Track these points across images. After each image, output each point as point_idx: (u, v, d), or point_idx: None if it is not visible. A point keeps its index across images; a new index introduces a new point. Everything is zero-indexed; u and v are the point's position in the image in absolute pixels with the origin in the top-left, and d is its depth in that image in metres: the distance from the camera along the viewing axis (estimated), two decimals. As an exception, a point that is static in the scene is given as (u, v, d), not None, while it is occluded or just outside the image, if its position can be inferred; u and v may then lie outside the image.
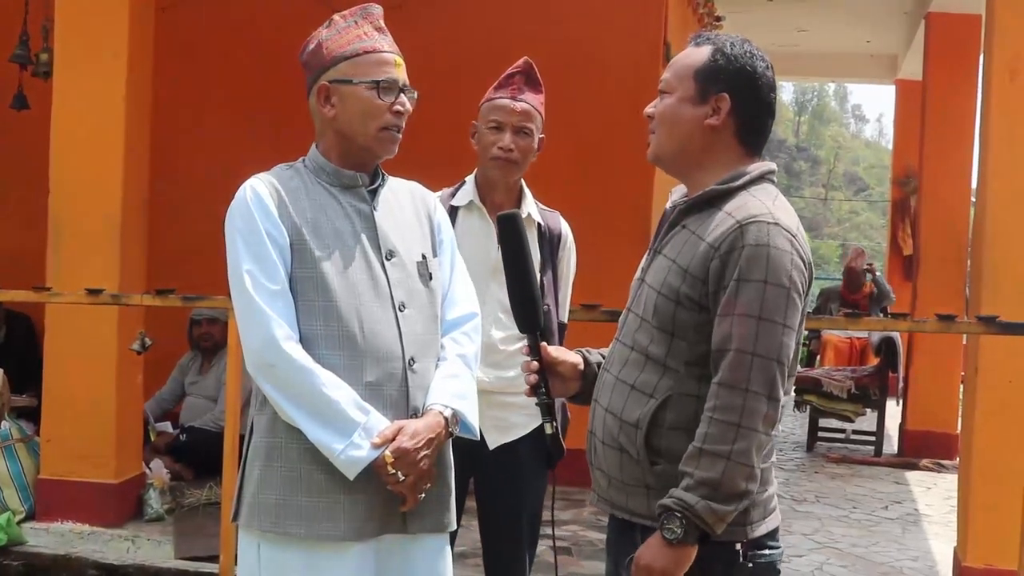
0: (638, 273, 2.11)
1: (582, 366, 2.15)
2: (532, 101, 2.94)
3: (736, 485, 1.82)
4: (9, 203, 6.64)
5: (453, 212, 2.96)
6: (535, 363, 2.09)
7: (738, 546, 1.89)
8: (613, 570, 2.10)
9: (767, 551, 1.94)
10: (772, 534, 1.96)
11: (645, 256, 2.13)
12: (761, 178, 1.99)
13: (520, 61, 2.98)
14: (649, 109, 2.07)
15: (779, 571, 1.98)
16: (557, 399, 2.18)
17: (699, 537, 1.84)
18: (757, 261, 1.85)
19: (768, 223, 1.88)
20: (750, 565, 1.90)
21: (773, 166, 2.04)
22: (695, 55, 2.02)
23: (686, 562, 1.85)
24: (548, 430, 2.10)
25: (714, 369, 1.87)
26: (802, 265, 1.90)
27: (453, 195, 3.00)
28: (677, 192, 2.14)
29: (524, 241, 2.14)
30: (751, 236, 1.86)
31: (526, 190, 3.04)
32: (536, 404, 2.10)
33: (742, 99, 1.99)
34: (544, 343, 2.12)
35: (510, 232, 2.14)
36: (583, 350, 2.20)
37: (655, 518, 1.89)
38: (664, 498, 1.86)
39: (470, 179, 3.02)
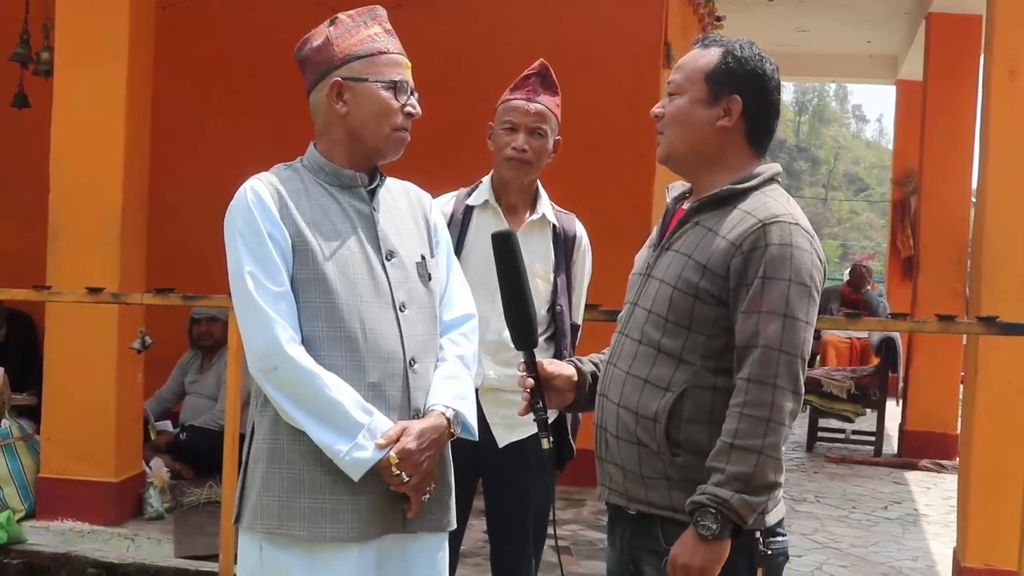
0: (639, 268, 2.14)
1: (576, 377, 2.19)
2: (547, 103, 2.95)
3: (767, 477, 1.87)
4: (9, 202, 6.64)
5: (468, 212, 2.98)
6: (530, 380, 2.12)
7: (757, 534, 1.94)
8: (619, 569, 2.11)
9: (779, 538, 2.00)
10: (780, 523, 2.02)
11: (645, 251, 2.17)
12: (771, 179, 2.04)
13: (536, 63, 3.00)
14: (657, 109, 2.10)
15: (788, 556, 2.04)
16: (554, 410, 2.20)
17: (732, 530, 1.87)
18: (782, 260, 1.90)
19: (790, 223, 1.94)
20: (768, 552, 1.96)
21: (779, 168, 2.09)
22: (705, 57, 2.05)
23: (723, 556, 1.88)
24: (545, 445, 2.13)
25: (739, 364, 1.91)
26: (820, 265, 1.97)
27: (469, 195, 3.02)
28: (675, 189, 2.17)
29: (519, 259, 2.14)
30: (775, 236, 1.91)
31: (542, 191, 3.05)
32: (534, 420, 2.13)
33: (752, 101, 2.03)
34: (540, 360, 2.15)
35: (504, 251, 2.14)
36: (575, 360, 2.25)
37: (676, 510, 1.94)
38: (694, 495, 1.88)
39: (486, 179, 3.03)
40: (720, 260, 1.94)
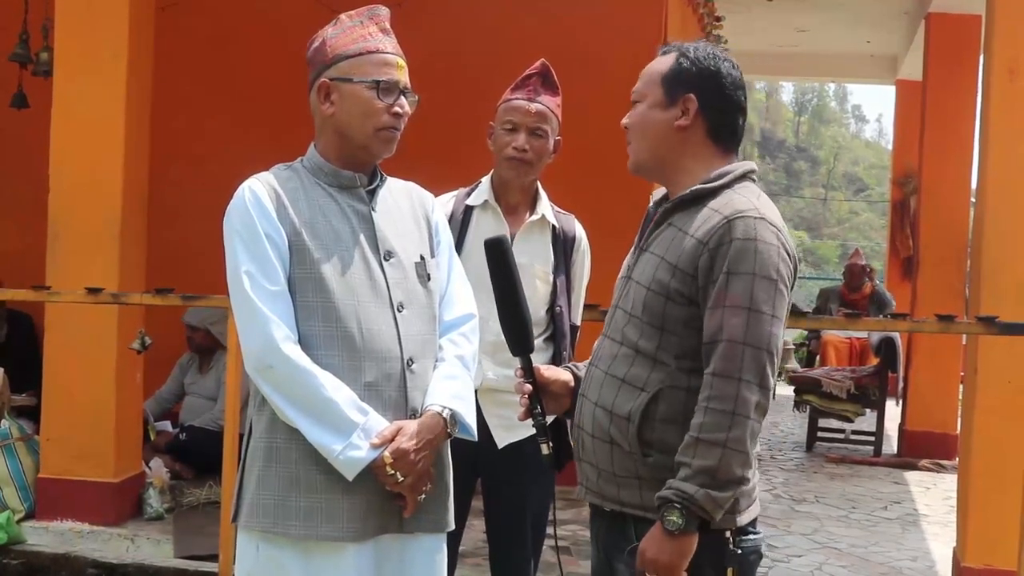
0: (623, 271, 2.17)
1: (573, 383, 2.20)
2: (548, 103, 2.95)
3: (732, 472, 1.87)
4: (9, 202, 6.64)
5: (468, 211, 2.97)
6: (528, 385, 2.13)
7: (727, 534, 1.95)
8: (599, 567, 2.12)
9: (752, 536, 2.00)
10: (754, 522, 2.02)
11: (630, 254, 2.19)
12: (743, 176, 2.05)
13: (537, 63, 2.99)
14: (625, 120, 2.14)
15: (762, 555, 2.05)
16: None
17: (699, 525, 1.88)
18: (746, 255, 1.91)
19: (755, 218, 1.94)
20: (739, 551, 1.96)
21: (753, 165, 2.10)
22: (661, 63, 2.10)
23: (690, 551, 1.89)
24: (545, 450, 2.14)
25: (706, 360, 1.92)
26: (788, 258, 1.96)
27: (469, 195, 3.02)
28: (659, 194, 2.19)
29: (511, 264, 2.14)
30: (739, 231, 1.92)
31: (541, 192, 3.05)
32: (532, 426, 2.13)
33: (709, 98, 2.05)
34: (537, 366, 2.16)
35: (497, 256, 2.14)
36: (571, 365, 2.26)
37: (648, 509, 1.94)
38: (662, 490, 1.89)
39: (486, 179, 3.03)
40: (689, 259, 1.95)
